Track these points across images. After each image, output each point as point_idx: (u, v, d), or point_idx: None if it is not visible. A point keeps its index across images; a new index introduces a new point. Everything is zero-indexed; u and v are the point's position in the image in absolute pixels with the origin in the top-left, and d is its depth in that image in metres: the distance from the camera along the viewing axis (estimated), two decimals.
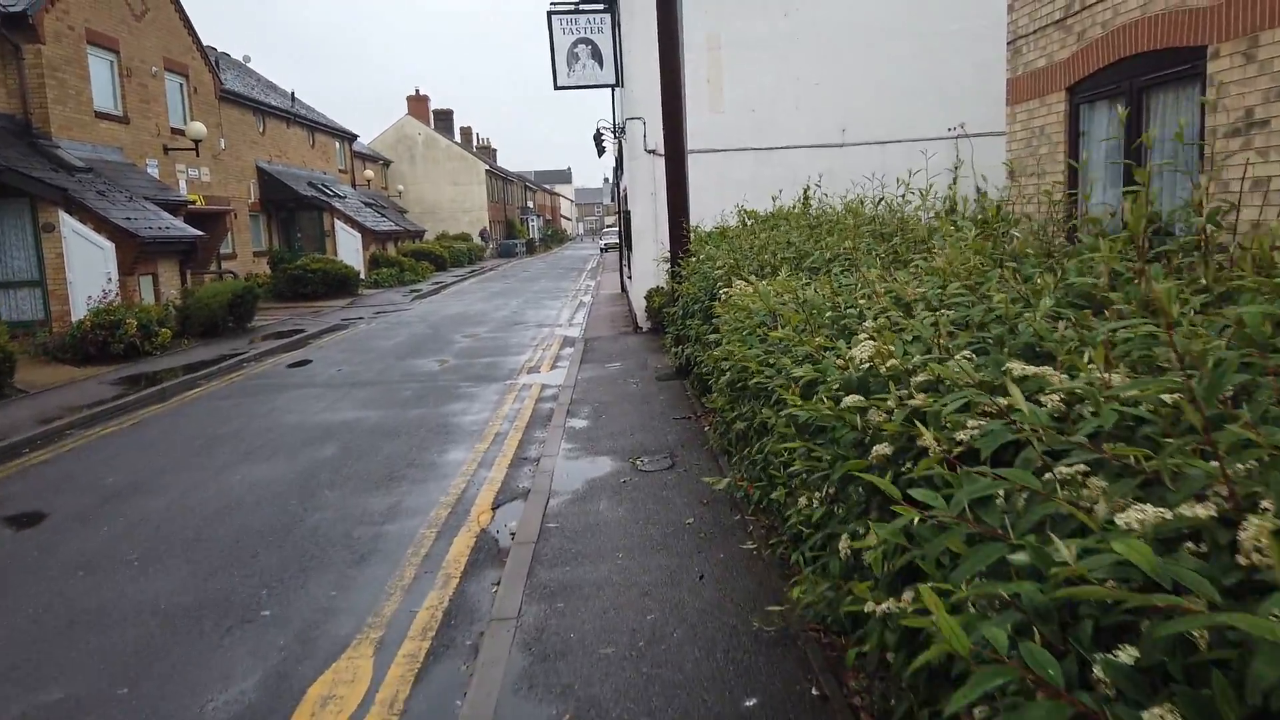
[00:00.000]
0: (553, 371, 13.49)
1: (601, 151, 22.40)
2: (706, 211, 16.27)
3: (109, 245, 17.53)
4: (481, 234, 65.51)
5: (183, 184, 25.19)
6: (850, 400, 2.86)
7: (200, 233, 20.78)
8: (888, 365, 2.99)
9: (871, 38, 16.50)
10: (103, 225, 17.48)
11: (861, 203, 9.57)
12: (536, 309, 23.98)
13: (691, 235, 11.55)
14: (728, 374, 5.30)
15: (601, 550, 5.60)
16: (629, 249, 18.26)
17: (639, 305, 17.11)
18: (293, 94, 38.85)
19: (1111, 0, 8.19)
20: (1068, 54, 9.04)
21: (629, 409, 9.98)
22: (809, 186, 11.23)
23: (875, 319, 3.81)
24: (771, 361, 4.22)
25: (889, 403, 2.73)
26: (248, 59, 40.78)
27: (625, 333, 17.17)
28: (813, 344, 3.73)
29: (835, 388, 3.18)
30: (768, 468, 4.60)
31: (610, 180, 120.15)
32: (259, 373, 14.57)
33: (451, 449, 8.85)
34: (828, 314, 4.25)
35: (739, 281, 6.76)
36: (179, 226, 19.88)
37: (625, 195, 19.64)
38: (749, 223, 11.03)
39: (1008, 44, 10.71)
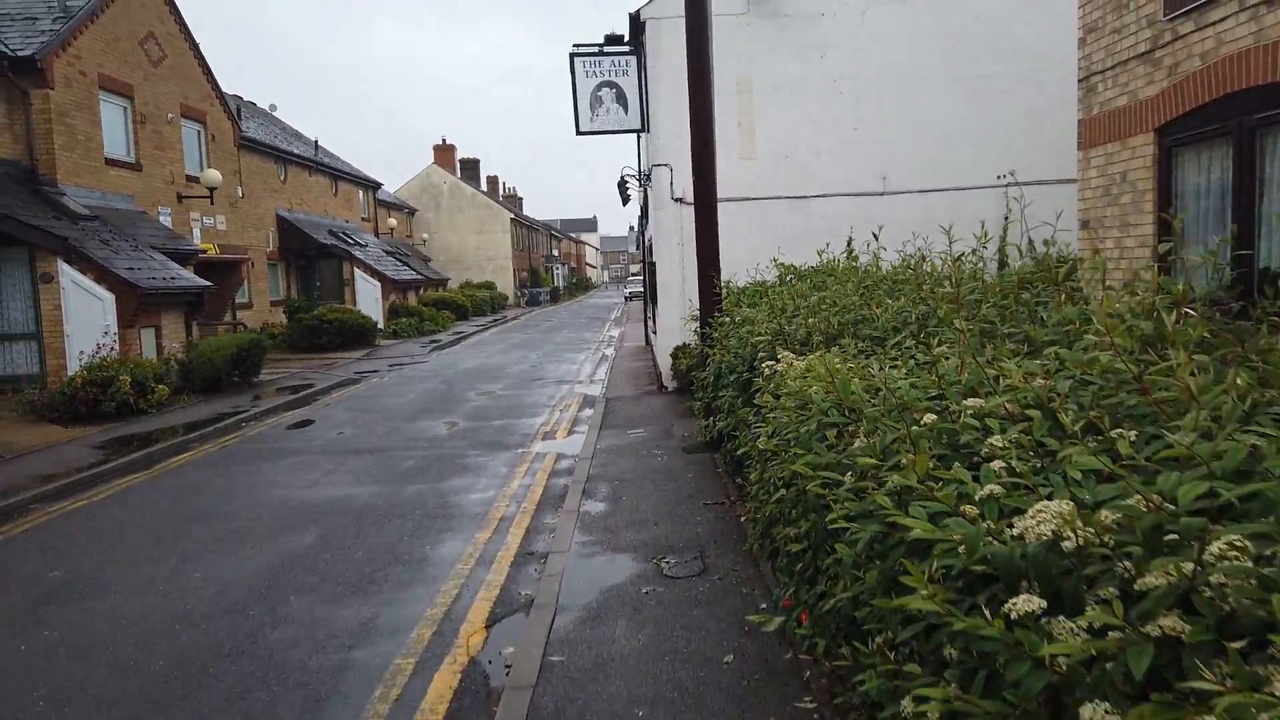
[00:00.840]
0: (570, 438, 12.34)
1: (626, 200, 21.48)
2: (738, 264, 15.23)
3: (109, 296, 16.72)
4: (521, 284, 65.09)
5: (196, 232, 24.56)
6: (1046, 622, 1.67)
7: (208, 283, 20.00)
8: (1083, 537, 1.83)
9: (912, 81, 15.50)
10: (104, 276, 16.69)
11: (922, 258, 8.41)
12: (557, 363, 22.94)
13: (723, 292, 10.45)
14: (781, 489, 4.12)
15: (615, 705, 4.38)
16: (654, 302, 17.23)
17: (664, 362, 16.00)
18: (316, 142, 38.57)
19: (1213, 28, 7.08)
20: (1156, 90, 7.91)
21: (652, 489, 8.79)
22: (852, 239, 10.11)
23: (1004, 437, 2.64)
24: (852, 486, 3.04)
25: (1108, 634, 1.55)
26: (274, 107, 40.69)
27: (649, 392, 16.03)
28: (920, 477, 2.55)
29: (978, 565, 2.01)
30: (841, 615, 3.42)
31: (635, 229, 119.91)
32: (255, 435, 13.54)
33: (448, 539, 7.68)
34: (925, 418, 3.07)
35: (786, 354, 5.63)
36: (186, 277, 19.09)
37: (650, 245, 18.67)
38: (789, 279, 9.93)
39: (1079, 81, 9.60)
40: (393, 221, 45.30)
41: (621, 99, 15.66)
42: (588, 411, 14.59)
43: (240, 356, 18.32)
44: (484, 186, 71.17)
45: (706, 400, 9.55)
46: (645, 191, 19.19)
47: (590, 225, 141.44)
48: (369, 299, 34.12)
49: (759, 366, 6.32)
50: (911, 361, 4.34)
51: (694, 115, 10.59)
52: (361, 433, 13.24)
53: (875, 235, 8.51)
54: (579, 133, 15.68)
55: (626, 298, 63.36)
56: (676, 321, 15.79)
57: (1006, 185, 15.70)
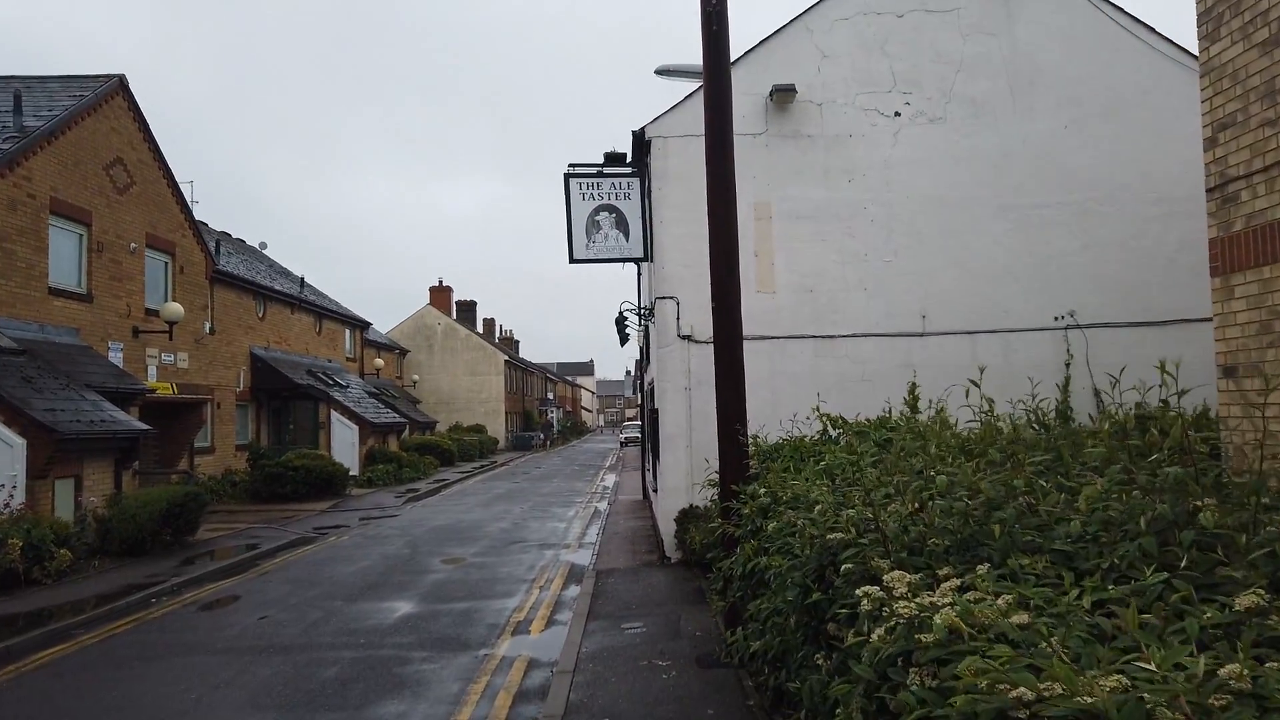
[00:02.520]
0: (548, 633, 9.67)
1: (624, 339, 19.41)
2: (755, 414, 13.05)
3: (20, 442, 14.32)
4: (513, 427, 62.58)
5: (152, 370, 22.37)
6: None
7: (145, 427, 17.61)
8: None
9: (953, 210, 13.66)
10: (15, 418, 14.34)
11: (996, 418, 6.12)
12: (542, 519, 20.28)
13: (753, 450, 8.08)
14: None
15: None
16: (654, 454, 14.87)
17: (666, 528, 13.44)
18: (302, 279, 37.07)
19: None
20: None
21: None
22: (916, 385, 7.83)
23: None
24: None
25: None
26: (264, 245, 39.50)
27: (649, 564, 13.39)
28: None
29: None
30: None
31: (632, 373, 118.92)
32: (157, 619, 10.83)
33: None
34: None
35: (897, 577, 3.24)
36: (120, 420, 16.73)
37: (651, 389, 16.45)
38: (838, 435, 7.60)
39: (1209, 191, 7.54)
40: (379, 362, 43.39)
41: (622, 224, 13.77)
42: (573, 590, 11.92)
43: (172, 512, 15.72)
44: (480, 328, 69.95)
45: (732, 599, 7.01)
46: (646, 329, 17.14)
47: (587, 369, 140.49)
48: (345, 443, 31.66)
49: (839, 586, 3.90)
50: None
51: (715, 232, 8.53)
52: (289, 618, 10.55)
53: (953, 390, 6.23)
54: (572, 260, 13.70)
55: (622, 443, 60.89)
56: (682, 479, 13.35)
57: (1065, 327, 13.65)
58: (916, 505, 4.07)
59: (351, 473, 29.54)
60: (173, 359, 23.60)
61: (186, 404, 23.91)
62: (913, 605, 2.92)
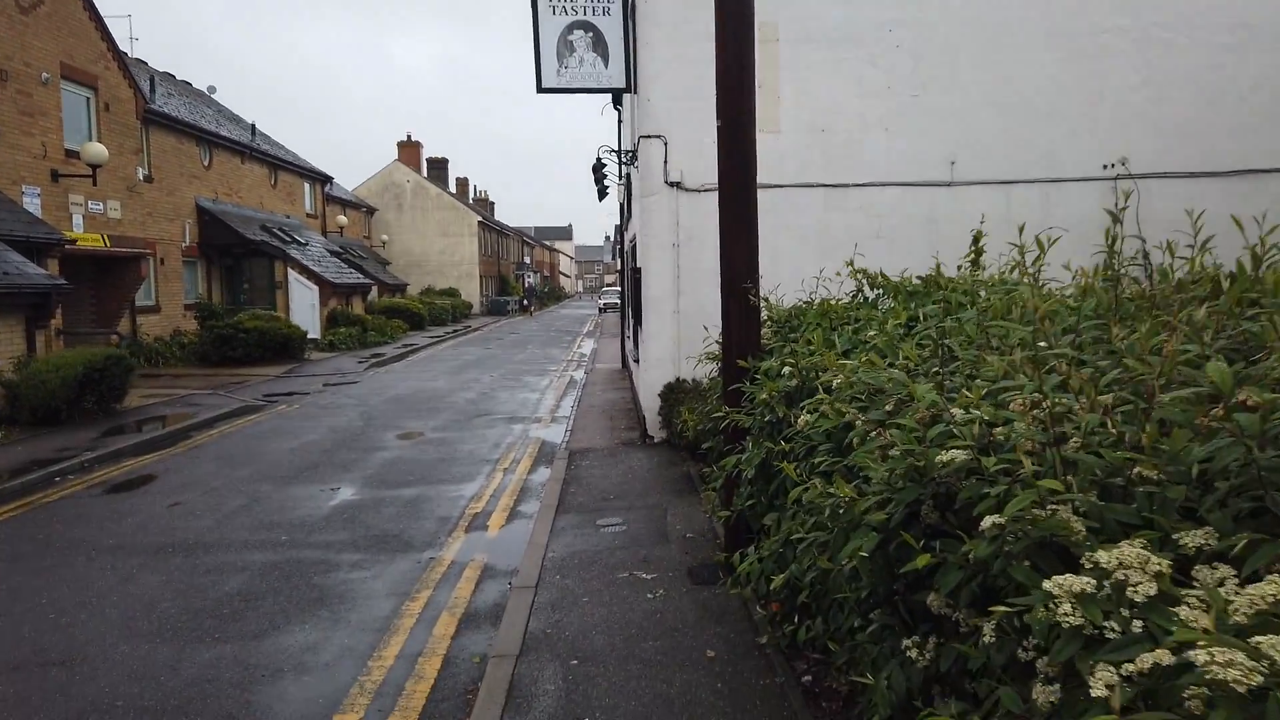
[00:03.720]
0: (509, 529, 8.14)
1: (603, 191, 17.35)
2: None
3: None
4: (488, 292, 60.40)
5: (77, 220, 20.09)
6: None
7: (59, 281, 15.56)
8: None
9: (994, 35, 11.52)
10: None
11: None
12: (513, 389, 18.69)
13: (766, 317, 6.32)
14: None
15: None
16: (637, 321, 13.14)
17: (649, 403, 11.85)
18: (253, 126, 34.15)
19: None
20: None
21: (647, 691, 4.63)
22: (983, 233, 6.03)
23: None
24: None
25: None
26: (212, 89, 36.23)
27: (629, 443, 11.87)
28: None
29: None
30: None
31: (612, 238, 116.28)
32: (49, 504, 9.21)
33: None
34: None
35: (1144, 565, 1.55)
36: (28, 274, 14.68)
37: (633, 248, 14.56)
38: (876, 296, 5.87)
39: None
40: (343, 219, 40.83)
41: (600, 45, 11.54)
42: (542, 473, 10.39)
43: (91, 378, 13.93)
44: (453, 188, 66.80)
45: (739, 509, 5.38)
46: (628, 177, 15.11)
47: (565, 233, 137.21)
48: (304, 304, 29.69)
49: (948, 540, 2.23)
50: None
51: (724, 22, 6.48)
52: (205, 506, 8.95)
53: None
54: (540, 89, 11.51)
55: (601, 309, 59.21)
56: (668, 349, 11.67)
57: (1115, 178, 11.79)
58: (1104, 409, 2.35)
59: (311, 336, 27.72)
60: (102, 208, 21.26)
61: (122, 258, 21.73)
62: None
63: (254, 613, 5.99)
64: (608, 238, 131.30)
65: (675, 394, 10.97)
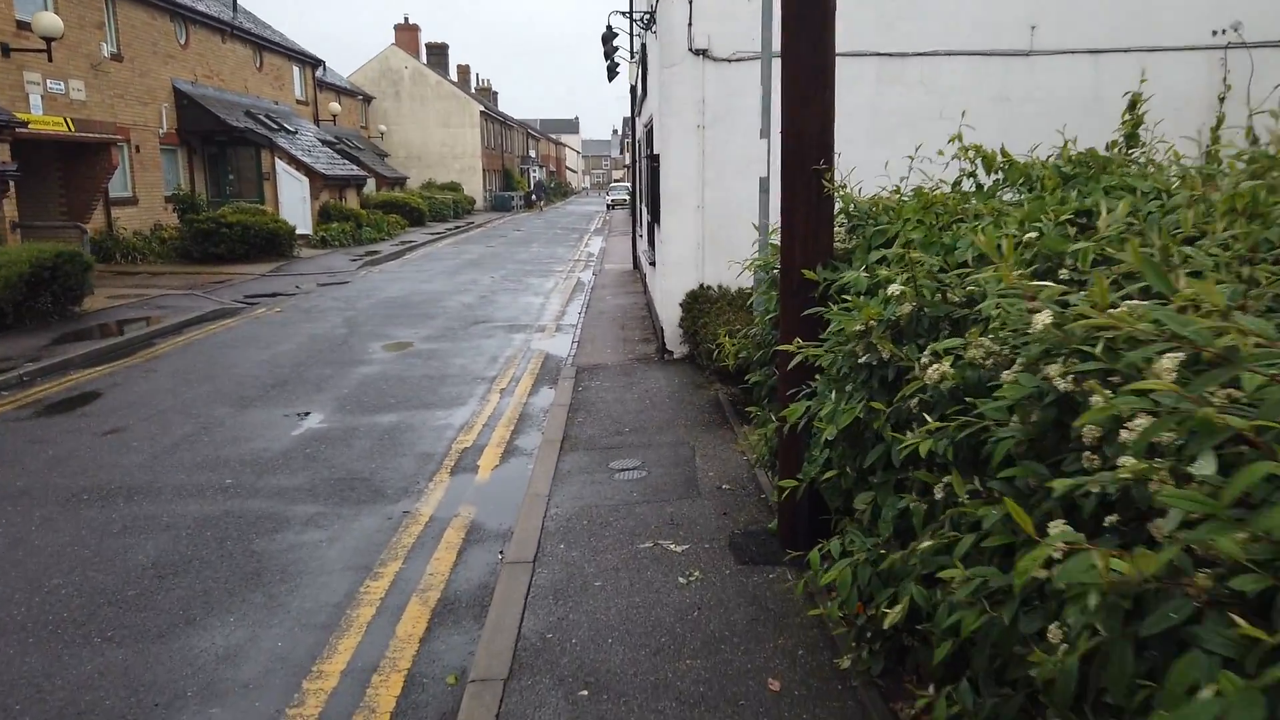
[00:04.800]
0: (502, 471, 6.72)
1: (613, 69, 15.41)
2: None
3: None
4: (492, 187, 58.12)
5: (35, 100, 18.21)
6: None
7: (7, 166, 13.87)
8: None
9: None
10: None
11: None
12: (515, 292, 17.12)
13: (841, 209, 4.70)
14: None
15: None
16: (654, 218, 11.46)
17: (668, 313, 10.30)
18: (235, 2, 31.56)
19: None
20: None
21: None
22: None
23: None
24: None
25: None
26: None
27: (644, 358, 10.39)
28: None
29: None
30: None
31: (620, 131, 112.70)
32: None
33: None
34: None
35: None
36: None
37: (648, 133, 12.74)
38: (995, 182, 4.30)
39: None
40: (336, 106, 38.47)
41: None
42: (544, 396, 8.94)
43: (39, 278, 12.39)
44: (454, 76, 63.64)
45: (810, 479, 3.89)
46: (644, 51, 13.18)
47: (571, 126, 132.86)
48: (294, 197, 27.85)
49: None
50: None
51: None
52: (145, 434, 7.55)
53: None
54: None
55: (609, 205, 56.96)
56: (690, 251, 10.07)
57: (1226, 46, 9.92)
58: None
59: (301, 232, 26.03)
60: (63, 88, 19.34)
61: (90, 145, 19.88)
62: None
63: (167, 595, 4.62)
64: (615, 131, 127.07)
65: (699, 304, 9.41)
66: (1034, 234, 3.07)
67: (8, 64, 17.46)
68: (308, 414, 8.20)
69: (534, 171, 78.27)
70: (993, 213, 3.92)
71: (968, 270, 3.27)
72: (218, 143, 26.95)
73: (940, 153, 4.58)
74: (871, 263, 4.14)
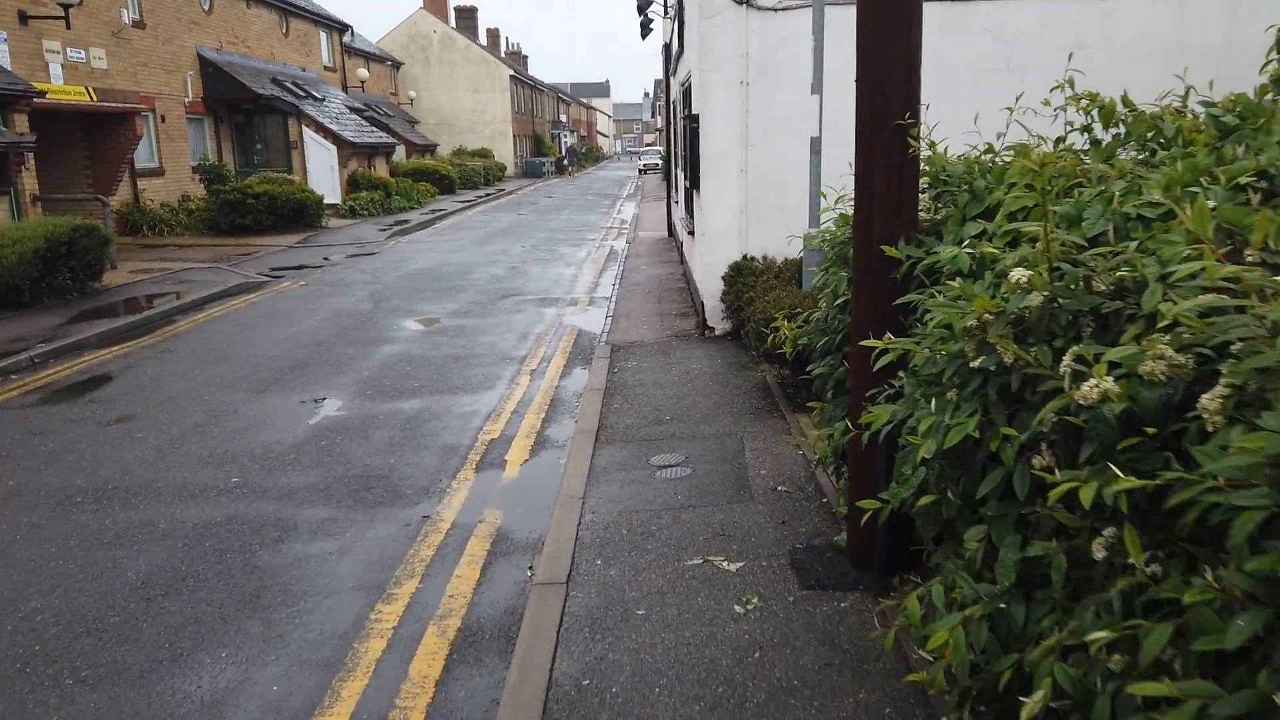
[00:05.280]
0: (531, 466, 6.11)
1: (647, 26, 14.59)
2: (834, 131, 9.00)
3: None
4: (523, 153, 57.51)
5: (55, 70, 17.78)
6: None
7: (22, 137, 13.43)
8: None
9: None
10: None
11: None
12: (546, 263, 16.48)
13: (928, 170, 3.98)
14: None
15: None
16: (693, 183, 10.74)
17: (709, 286, 9.60)
18: None
19: None
20: None
21: None
22: None
23: None
24: None
25: None
26: None
27: (684, 335, 9.72)
28: None
29: None
30: None
31: (651, 94, 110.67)
32: None
33: None
34: None
35: None
36: None
37: (686, 91, 11.96)
38: (1117, 137, 3.54)
39: None
40: (364, 73, 37.83)
41: None
42: (577, 378, 8.32)
43: (55, 253, 11.96)
44: (483, 40, 62.65)
45: (900, 503, 3.22)
46: (679, 1, 12.34)
47: (602, 90, 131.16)
48: (322, 166, 27.36)
49: None
50: None
51: None
52: (154, 422, 7.05)
53: None
54: None
55: (641, 170, 55.99)
56: (732, 219, 9.35)
57: None
58: None
59: (329, 201, 25.55)
60: (84, 56, 18.88)
61: (113, 114, 19.47)
62: None
63: (154, 622, 4.08)
64: (647, 94, 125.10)
65: (743, 276, 8.71)
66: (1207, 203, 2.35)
67: (26, 32, 17.00)
68: (325, 400, 7.65)
69: (565, 136, 77.27)
70: (1122, 174, 3.20)
71: (1108, 249, 2.57)
72: (244, 111, 26.47)
73: (1009, 110, 3.84)
74: (969, 237, 3.44)
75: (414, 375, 8.44)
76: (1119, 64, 8.59)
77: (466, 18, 60.44)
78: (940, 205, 3.85)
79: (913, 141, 3.67)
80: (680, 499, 5.17)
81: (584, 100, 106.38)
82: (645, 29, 14.71)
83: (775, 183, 9.14)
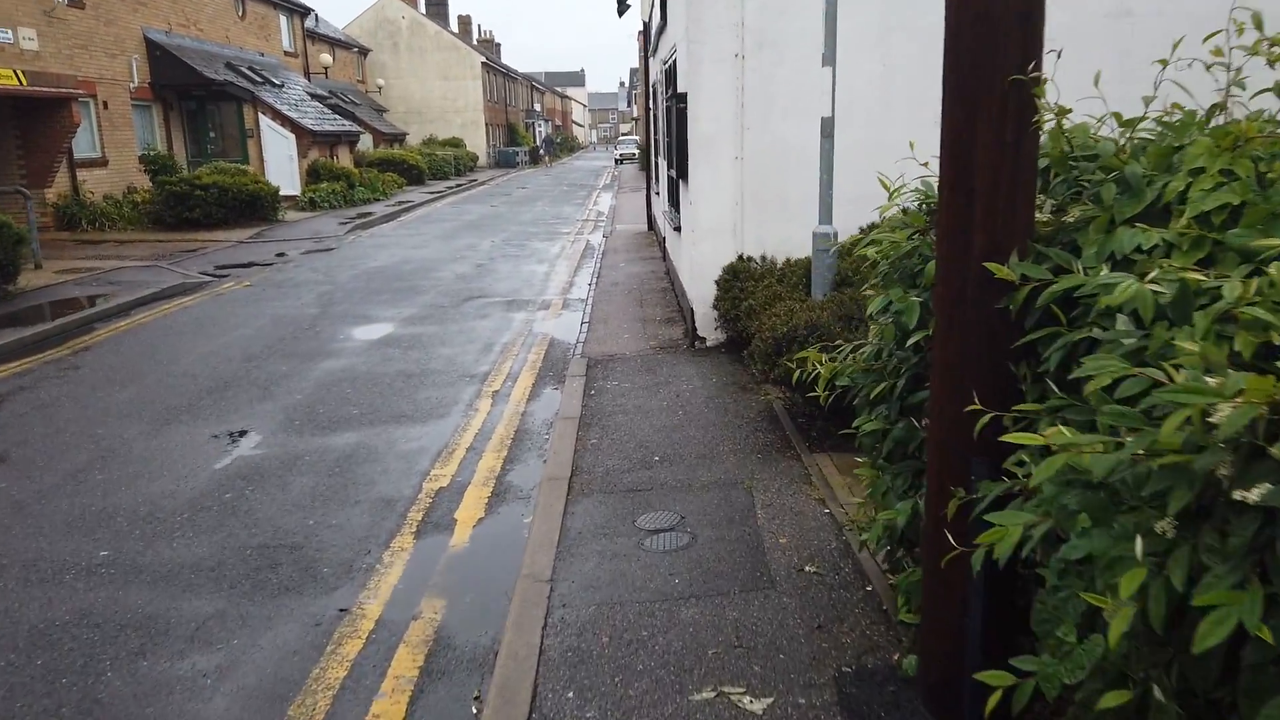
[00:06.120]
0: (488, 525, 4.86)
1: (624, 2, 13.30)
2: (847, 111, 7.95)
3: None
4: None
5: None
6: None
7: None
8: None
9: None
10: None
11: None
12: (517, 260, 15.19)
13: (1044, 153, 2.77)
14: None
15: None
16: (680, 173, 9.48)
17: (699, 292, 8.35)
18: None
19: None
20: None
21: None
22: None
23: None
24: None
25: None
26: None
27: (671, 346, 8.50)
28: None
29: None
30: None
31: (627, 83, 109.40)
32: None
33: None
34: None
35: None
36: None
37: (669, 70, 10.71)
38: None
39: None
40: (327, 59, 36.18)
41: None
42: (548, 401, 7.07)
43: None
44: (454, 27, 60.92)
45: (1075, 683, 2.03)
46: None
47: (577, 79, 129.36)
48: (280, 156, 25.83)
49: None
50: None
51: None
52: (29, 465, 5.73)
53: None
54: None
55: (617, 160, 54.60)
56: (726, 211, 8.12)
57: None
58: None
59: (287, 193, 24.07)
60: (10, 37, 17.34)
61: (47, 100, 17.91)
62: None
63: None
64: (622, 83, 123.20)
65: (740, 280, 7.48)
66: None
67: None
68: (243, 434, 6.35)
69: (539, 126, 75.64)
70: None
71: None
72: (196, 98, 24.91)
73: (1163, 63, 2.63)
74: (1127, 251, 2.23)
75: (355, 399, 7.15)
76: (1168, 35, 7.48)
77: (437, 4, 58.74)
78: (1069, 202, 2.63)
79: (1042, 110, 2.45)
80: (678, 584, 3.94)
81: (559, 89, 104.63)
82: (622, 5, 13.43)
83: (775, 171, 7.93)
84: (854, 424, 3.40)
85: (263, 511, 4.99)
